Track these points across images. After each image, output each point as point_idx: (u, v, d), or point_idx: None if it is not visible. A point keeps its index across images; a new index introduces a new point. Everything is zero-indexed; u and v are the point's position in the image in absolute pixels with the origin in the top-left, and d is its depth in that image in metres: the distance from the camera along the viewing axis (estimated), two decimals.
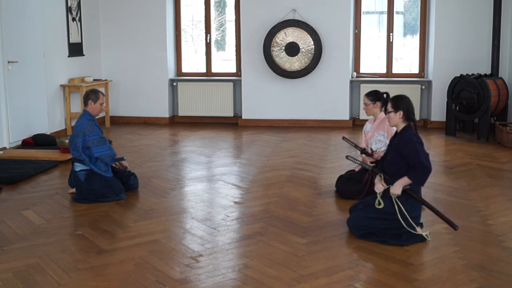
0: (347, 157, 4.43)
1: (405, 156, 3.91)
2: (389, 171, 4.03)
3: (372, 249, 3.83)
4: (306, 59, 8.85)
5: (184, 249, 3.89)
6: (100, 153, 5.07)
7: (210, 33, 9.53)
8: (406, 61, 9.85)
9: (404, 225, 3.89)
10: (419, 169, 3.85)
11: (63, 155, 6.57)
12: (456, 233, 4.10)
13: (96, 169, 5.07)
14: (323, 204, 4.90)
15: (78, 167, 5.10)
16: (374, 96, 5.06)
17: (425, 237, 3.95)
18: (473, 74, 7.93)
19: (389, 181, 3.96)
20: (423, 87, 8.87)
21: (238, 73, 9.45)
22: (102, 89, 9.04)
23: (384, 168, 4.08)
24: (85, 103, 5.19)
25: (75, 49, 8.70)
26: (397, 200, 3.90)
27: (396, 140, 4.03)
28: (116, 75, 9.50)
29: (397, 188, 3.90)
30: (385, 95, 5.03)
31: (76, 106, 8.57)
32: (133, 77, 9.48)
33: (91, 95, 5.18)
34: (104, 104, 5.34)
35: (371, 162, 4.83)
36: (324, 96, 8.99)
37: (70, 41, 8.54)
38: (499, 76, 8.16)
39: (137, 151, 7.18)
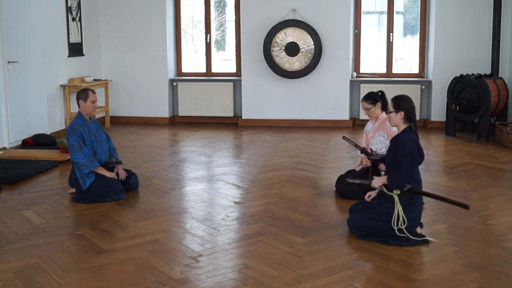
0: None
1: (397, 157, 3.91)
2: (385, 169, 4.08)
3: (372, 249, 3.83)
4: (306, 59, 8.85)
5: (184, 249, 3.89)
6: (77, 160, 4.98)
7: (210, 33, 9.53)
8: (406, 61, 9.85)
9: (395, 228, 3.88)
10: (396, 173, 3.88)
11: (63, 155, 6.57)
12: (456, 233, 4.12)
13: (78, 173, 5.00)
14: (323, 204, 4.90)
15: None
16: (373, 98, 5.03)
17: (427, 239, 3.94)
18: (473, 74, 7.93)
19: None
20: (423, 87, 8.87)
21: (238, 73, 9.45)
22: (102, 89, 9.05)
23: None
24: (77, 103, 5.19)
25: (75, 49, 8.69)
26: (398, 202, 3.90)
27: (395, 140, 4.05)
28: (116, 75, 9.49)
29: (376, 182, 4.01)
30: (379, 93, 5.03)
31: (76, 106, 8.52)
32: (133, 77, 9.48)
33: (81, 95, 5.15)
34: (97, 102, 5.28)
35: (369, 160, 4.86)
36: (324, 96, 8.99)
37: (70, 41, 8.54)
38: (499, 76, 8.16)
39: (137, 151, 7.18)
